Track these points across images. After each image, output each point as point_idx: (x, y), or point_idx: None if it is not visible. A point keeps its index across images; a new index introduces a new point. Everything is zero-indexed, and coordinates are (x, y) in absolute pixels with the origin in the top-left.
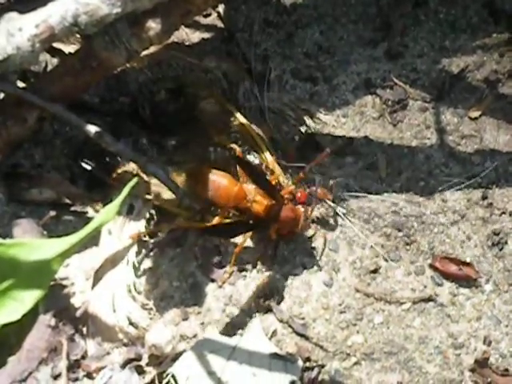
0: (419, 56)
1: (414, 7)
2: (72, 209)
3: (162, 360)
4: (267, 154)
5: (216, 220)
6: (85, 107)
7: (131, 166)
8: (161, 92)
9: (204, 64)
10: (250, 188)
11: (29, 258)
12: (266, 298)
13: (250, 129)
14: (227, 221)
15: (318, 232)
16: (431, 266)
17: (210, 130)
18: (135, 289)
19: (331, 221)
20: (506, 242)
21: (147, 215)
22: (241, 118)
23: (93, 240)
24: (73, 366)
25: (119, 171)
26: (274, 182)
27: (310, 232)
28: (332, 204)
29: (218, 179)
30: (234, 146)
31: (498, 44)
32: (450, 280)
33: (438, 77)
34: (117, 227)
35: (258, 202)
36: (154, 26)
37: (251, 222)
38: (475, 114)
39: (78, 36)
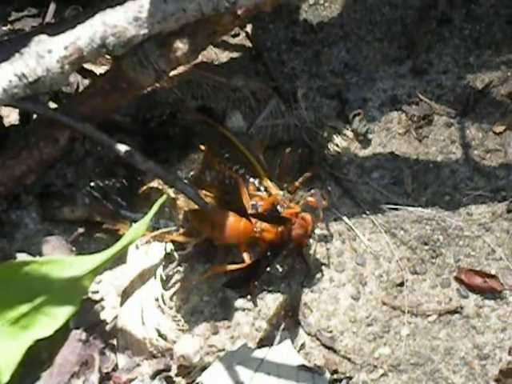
0: (444, 72)
1: (438, 24)
2: (103, 226)
3: (191, 370)
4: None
5: (244, 263)
6: (115, 127)
7: (158, 183)
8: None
9: (232, 83)
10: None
11: (61, 274)
12: (294, 311)
13: (243, 150)
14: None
15: (345, 246)
16: (457, 279)
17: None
18: (163, 301)
19: (357, 235)
20: None
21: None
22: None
23: (123, 256)
24: (104, 379)
25: (146, 188)
26: (272, 201)
27: (337, 246)
28: (362, 216)
29: (222, 218)
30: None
31: None
32: (475, 292)
33: (462, 92)
34: (144, 243)
35: (267, 229)
36: (181, 46)
37: (268, 253)
38: (500, 128)
39: (108, 57)
